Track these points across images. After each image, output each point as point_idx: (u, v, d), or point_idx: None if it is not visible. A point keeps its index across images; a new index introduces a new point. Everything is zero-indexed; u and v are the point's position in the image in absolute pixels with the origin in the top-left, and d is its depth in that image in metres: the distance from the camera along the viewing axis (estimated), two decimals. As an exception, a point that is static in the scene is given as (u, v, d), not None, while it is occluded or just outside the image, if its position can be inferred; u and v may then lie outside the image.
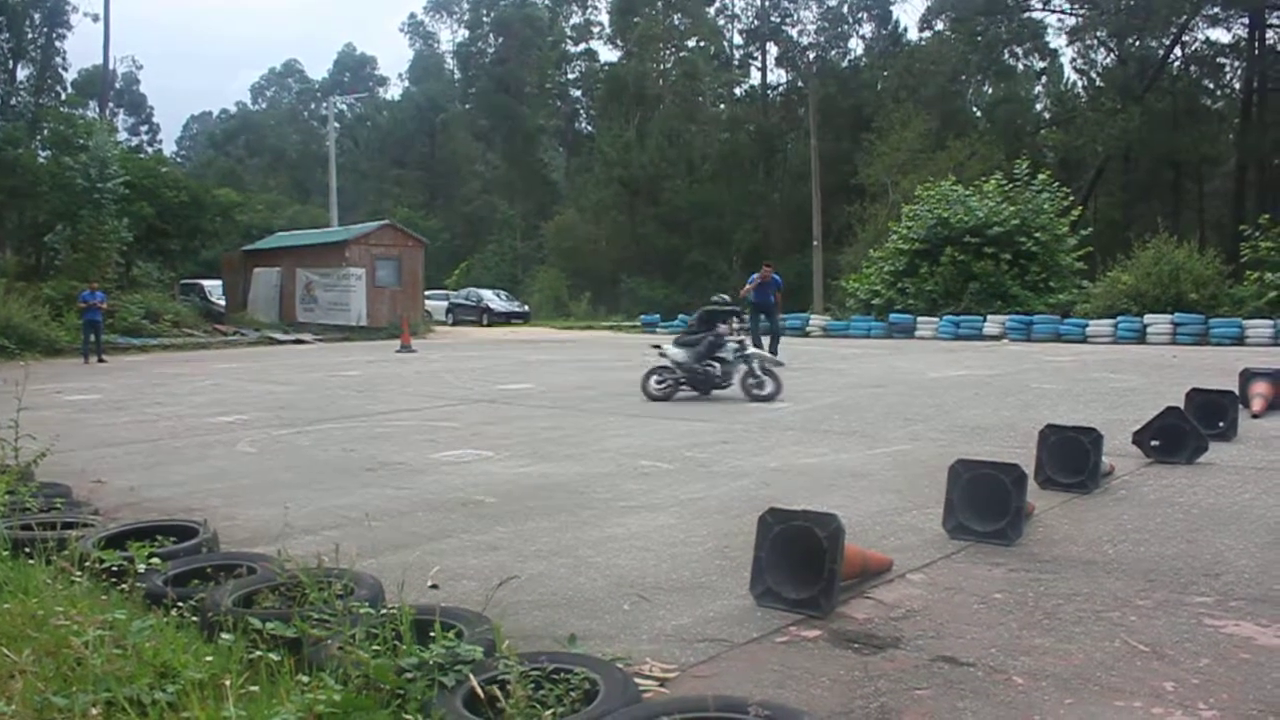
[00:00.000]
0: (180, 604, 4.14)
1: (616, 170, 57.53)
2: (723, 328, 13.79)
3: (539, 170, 71.16)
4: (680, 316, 37.82)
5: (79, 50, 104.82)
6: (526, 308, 46.22)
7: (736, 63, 66.37)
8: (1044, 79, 59.11)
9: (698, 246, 54.56)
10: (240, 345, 29.73)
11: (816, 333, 32.91)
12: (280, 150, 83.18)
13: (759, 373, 13.28)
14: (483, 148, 72.14)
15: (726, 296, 15.73)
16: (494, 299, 45.12)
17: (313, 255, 35.11)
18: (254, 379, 17.89)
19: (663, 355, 13.70)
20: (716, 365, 13.54)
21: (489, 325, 42.27)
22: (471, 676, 3.32)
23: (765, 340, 18.61)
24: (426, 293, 38.81)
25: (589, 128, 71.51)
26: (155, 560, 4.66)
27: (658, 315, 39.45)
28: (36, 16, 43.67)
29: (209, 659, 3.42)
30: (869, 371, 17.59)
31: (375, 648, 3.52)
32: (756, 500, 6.56)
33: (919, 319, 30.69)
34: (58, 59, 45.50)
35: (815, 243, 45.96)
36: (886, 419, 10.85)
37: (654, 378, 13.55)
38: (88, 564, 4.60)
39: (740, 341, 13.79)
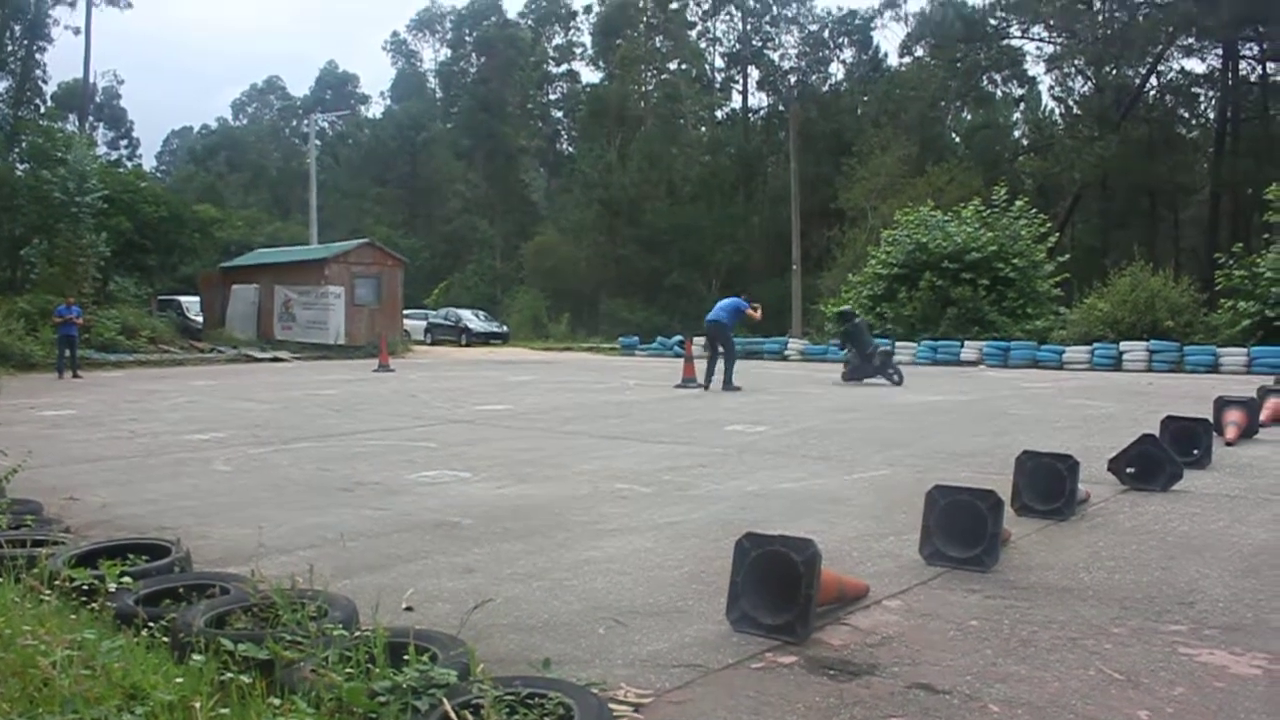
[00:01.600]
0: (151, 624, 4.09)
1: (597, 191, 57.69)
2: None
3: (520, 190, 71.31)
4: (658, 338, 37.87)
5: (60, 63, 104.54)
6: (505, 328, 46.20)
7: (718, 86, 66.80)
8: (1022, 106, 59.73)
9: (678, 268, 54.72)
10: (217, 362, 29.60)
11: (795, 356, 33.02)
12: (261, 167, 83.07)
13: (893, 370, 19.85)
14: (464, 167, 72.20)
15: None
16: (473, 319, 45.10)
17: (292, 273, 35.02)
18: (230, 396, 17.79)
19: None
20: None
21: (468, 345, 42.23)
22: (445, 701, 3.29)
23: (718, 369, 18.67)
24: (405, 312, 38.75)
25: (570, 148, 71.79)
26: (126, 579, 4.61)
27: (636, 337, 39.47)
28: (17, 29, 43.55)
29: (179, 680, 3.37)
30: (847, 396, 17.63)
31: (348, 670, 3.48)
32: (733, 524, 6.55)
33: (897, 343, 30.80)
34: (38, 71, 45.35)
35: (795, 266, 46.18)
36: (864, 444, 10.86)
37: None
38: (57, 582, 4.55)
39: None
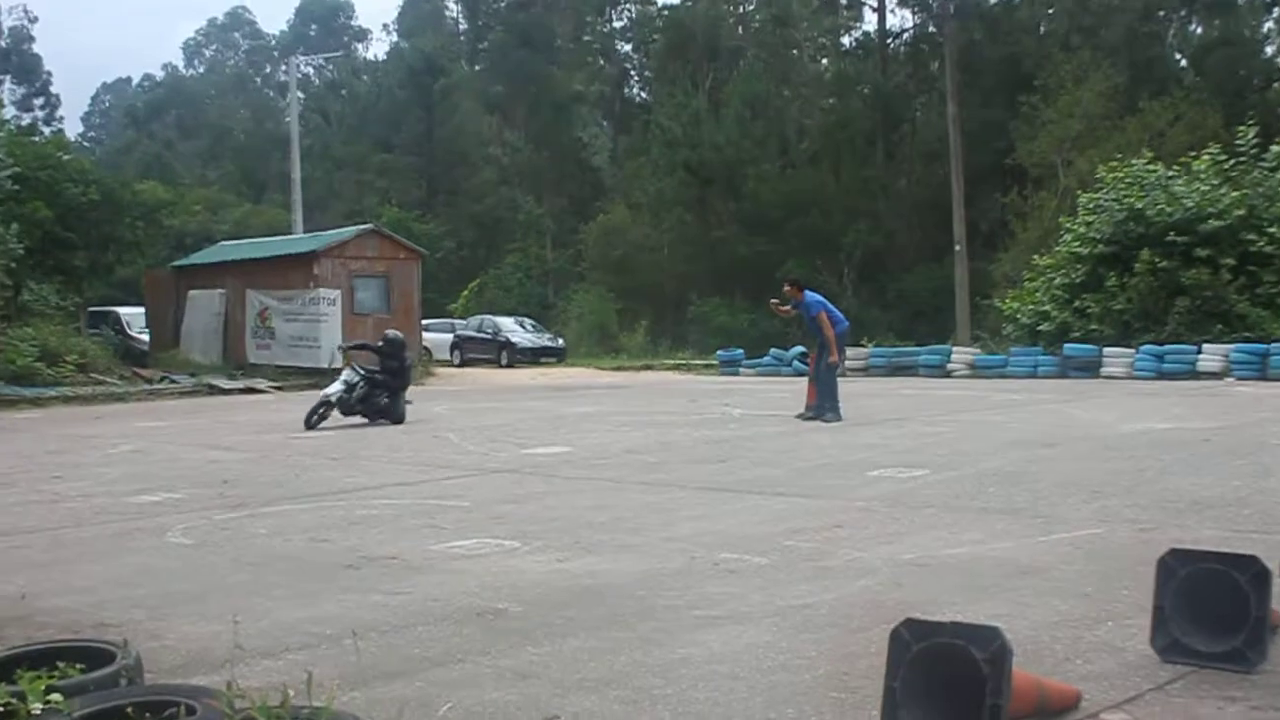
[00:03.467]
0: (93, 757, 4.12)
1: (682, 152, 57.78)
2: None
3: (576, 154, 71.66)
4: (771, 351, 37.76)
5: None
6: (561, 341, 46.43)
7: (845, 2, 66.46)
8: (1276, 11, 58.52)
9: (795, 255, 54.55)
10: (170, 396, 30.07)
11: (962, 371, 32.77)
12: (224, 130, 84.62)
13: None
14: (499, 123, 72.82)
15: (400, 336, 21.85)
16: (516, 330, 45.39)
17: (269, 272, 35.52)
18: (189, 442, 18.05)
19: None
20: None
21: (510, 366, 42.52)
22: None
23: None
24: (425, 322, 39.12)
25: (644, 95, 72.11)
26: (56, 697, 4.65)
27: (740, 350, 39.39)
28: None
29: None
30: (1037, 424, 17.43)
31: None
32: (885, 607, 6.49)
33: (1105, 351, 30.41)
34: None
35: (957, 247, 45.88)
36: (1064, 491, 10.73)
37: None
38: (-39, 702, 4.59)
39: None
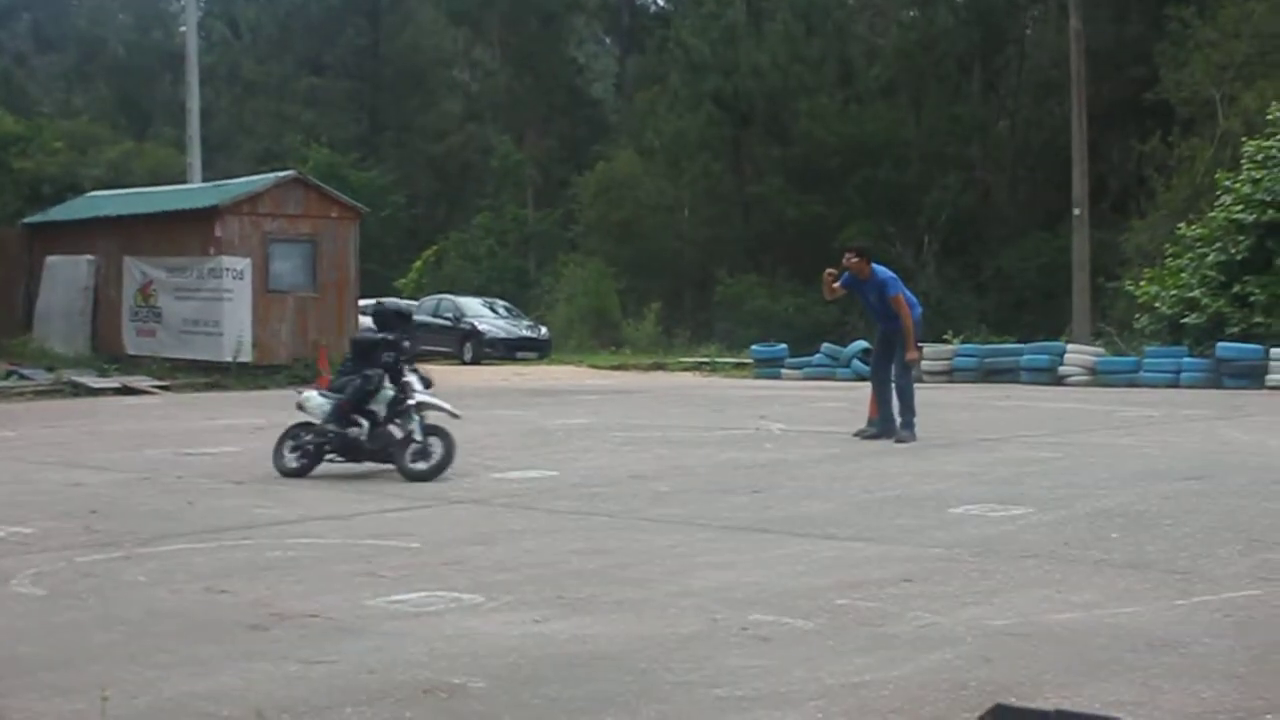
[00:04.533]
0: None
1: (711, 80, 57.69)
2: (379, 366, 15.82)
3: (569, 80, 71.58)
4: (824, 347, 37.71)
5: None
6: (544, 331, 46.51)
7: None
8: None
9: (859, 218, 54.44)
10: (20, 397, 30.07)
11: (1078, 376, 32.74)
12: (96, 42, 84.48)
13: (419, 436, 15.29)
14: (467, 37, 72.70)
15: (400, 305, 18.77)
16: (485, 315, 45.44)
17: (155, 233, 35.51)
18: (44, 459, 18.08)
19: (302, 408, 16.00)
20: (364, 423, 15.65)
21: (477, 362, 42.62)
22: None
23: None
24: (364, 303, 39.10)
25: (660, 1, 72.05)
26: None
27: (783, 346, 39.29)
28: None
29: None
30: (1179, 449, 17.44)
31: None
32: (970, 689, 6.53)
33: (1273, 352, 30.37)
34: None
35: (1076, 211, 45.72)
36: (1212, 539, 10.75)
37: (288, 443, 15.94)
38: None
39: (404, 384, 15.72)
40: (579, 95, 71.43)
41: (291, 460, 15.72)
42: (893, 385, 19.07)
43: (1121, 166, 49.37)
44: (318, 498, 13.96)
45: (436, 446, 15.19)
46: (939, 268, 51.06)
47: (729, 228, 57.04)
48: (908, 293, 19.32)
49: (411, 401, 15.43)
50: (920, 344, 20.39)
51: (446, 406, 16.11)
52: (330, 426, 15.57)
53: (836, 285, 19.60)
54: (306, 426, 15.89)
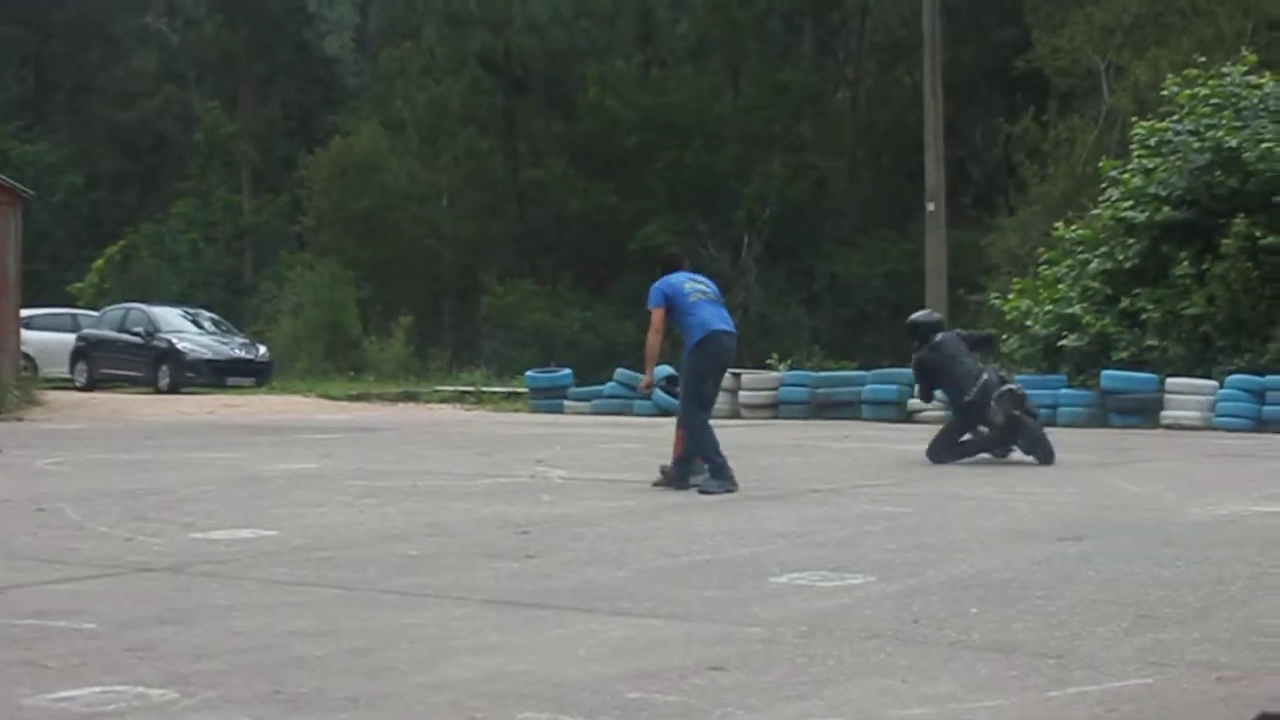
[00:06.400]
0: None
1: (477, 35, 57.87)
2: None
3: (295, 33, 71.55)
4: (617, 373, 37.77)
5: None
6: (263, 351, 46.41)
7: None
8: None
9: (663, 212, 54.78)
10: None
11: (931, 411, 33.01)
12: None
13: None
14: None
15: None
16: (187, 330, 45.35)
17: None
18: None
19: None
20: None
21: (176, 389, 42.35)
22: None
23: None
24: (28, 314, 38.71)
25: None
26: None
27: (567, 371, 39.40)
28: None
29: None
30: (1054, 503, 17.77)
31: None
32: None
33: (1169, 383, 30.88)
34: None
35: (930, 206, 46.29)
36: (1094, 614, 10.87)
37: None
38: None
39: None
40: (308, 51, 71.43)
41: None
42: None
43: (986, 151, 50.21)
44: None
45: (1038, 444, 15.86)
46: (762, 275, 51.60)
47: (499, 222, 57.32)
48: (689, 300, 19.09)
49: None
50: (716, 367, 20.03)
51: None
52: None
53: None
54: None
